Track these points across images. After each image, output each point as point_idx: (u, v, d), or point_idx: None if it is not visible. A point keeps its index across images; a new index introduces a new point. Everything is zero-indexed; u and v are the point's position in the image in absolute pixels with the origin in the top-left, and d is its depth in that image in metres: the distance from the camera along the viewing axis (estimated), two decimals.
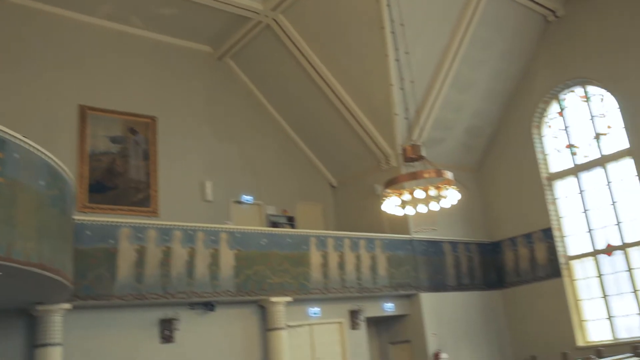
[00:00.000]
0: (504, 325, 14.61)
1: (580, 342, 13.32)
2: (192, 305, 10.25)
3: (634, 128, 12.79)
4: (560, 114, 14.44)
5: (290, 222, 14.14)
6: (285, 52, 13.77)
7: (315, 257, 11.70)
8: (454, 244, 14.32)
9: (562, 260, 13.87)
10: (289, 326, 11.23)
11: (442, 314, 13.45)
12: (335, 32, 13.08)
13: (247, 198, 13.91)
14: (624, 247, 13.00)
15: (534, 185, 14.46)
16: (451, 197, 8.81)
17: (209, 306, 10.35)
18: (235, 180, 13.89)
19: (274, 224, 13.66)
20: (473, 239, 14.82)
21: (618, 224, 13.14)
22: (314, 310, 11.92)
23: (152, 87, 13.24)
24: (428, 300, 13.32)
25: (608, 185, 13.38)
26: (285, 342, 10.88)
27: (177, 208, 12.55)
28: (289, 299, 11.10)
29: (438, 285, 13.64)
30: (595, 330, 13.38)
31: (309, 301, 11.83)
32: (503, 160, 15.20)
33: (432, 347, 12.99)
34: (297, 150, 15.35)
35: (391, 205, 8.87)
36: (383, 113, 13.30)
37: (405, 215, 9.46)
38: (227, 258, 10.54)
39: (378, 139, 13.86)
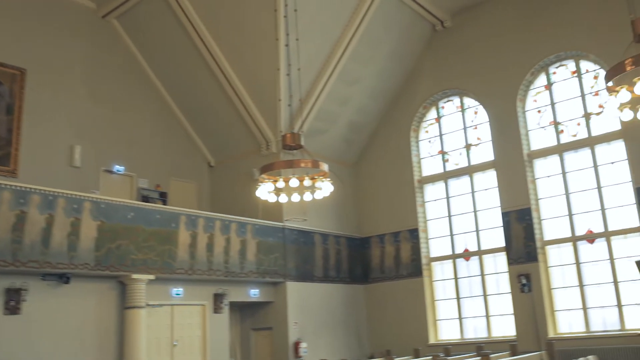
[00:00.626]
0: (364, 319, 15.06)
1: (432, 340, 14.02)
2: (44, 276, 9.59)
3: (500, 142, 13.62)
4: (438, 120, 15.07)
5: (163, 198, 13.66)
6: (175, 21, 13.24)
7: (183, 236, 11.39)
8: (324, 236, 14.52)
9: (424, 261, 14.50)
10: (149, 305, 10.86)
11: (306, 304, 13.62)
12: (229, 9, 12.77)
13: (118, 168, 13.26)
14: (480, 253, 13.83)
15: (406, 186, 14.99)
16: (325, 189, 8.88)
17: (63, 278, 9.73)
18: (107, 147, 13.18)
19: (145, 198, 13.12)
20: (344, 232, 15.12)
21: (477, 231, 13.94)
22: (177, 290, 11.61)
23: (24, 37, 12.20)
24: (294, 289, 13.42)
25: (472, 193, 14.16)
26: (143, 321, 10.49)
27: (40, 171, 11.69)
28: (151, 277, 10.71)
29: (305, 275, 13.78)
30: (446, 329, 14.14)
31: (172, 281, 11.50)
32: (380, 158, 15.61)
33: (293, 336, 13.11)
34: (177, 125, 14.84)
35: (265, 191, 8.79)
36: (268, 97, 13.18)
37: (278, 202, 9.43)
38: (89, 229, 9.98)
39: (261, 123, 13.72)
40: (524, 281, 12.43)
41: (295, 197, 9.09)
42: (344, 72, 13.83)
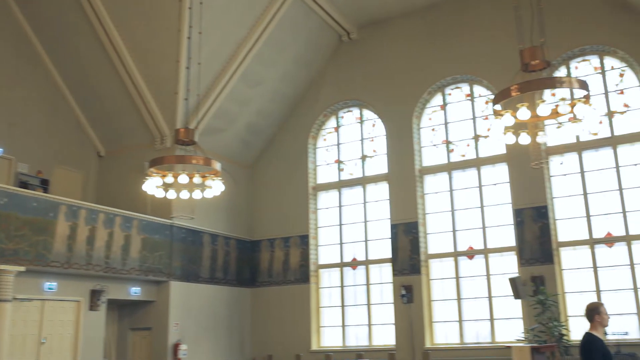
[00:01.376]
0: (249, 323, 14.89)
1: (314, 346, 14.08)
2: None
3: (394, 156, 13.98)
4: (336, 129, 15.24)
5: (44, 185, 12.83)
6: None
7: (62, 227, 10.73)
8: (214, 236, 14.23)
9: (312, 267, 14.56)
10: (16, 299, 10.12)
11: (190, 305, 13.26)
12: None
13: None
14: (367, 262, 14.08)
15: (300, 192, 15.03)
16: (215, 188, 8.67)
17: None
18: None
19: (24, 184, 12.25)
20: (234, 234, 14.89)
21: (366, 241, 14.20)
22: (50, 284, 10.90)
23: None
24: (177, 289, 13.03)
25: (364, 204, 14.41)
26: (8, 316, 9.75)
27: None
28: (21, 268, 9.99)
29: (190, 275, 13.42)
30: (329, 336, 14.25)
31: (45, 274, 10.79)
32: (277, 162, 15.55)
33: (173, 338, 12.71)
34: (67, 109, 14.00)
35: (152, 185, 8.45)
36: (166, 90, 12.75)
37: (166, 198, 9.11)
38: None
39: (157, 116, 13.26)
40: (403, 292, 12.73)
41: (184, 194, 8.81)
42: (246, 73, 13.67)
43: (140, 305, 12.96)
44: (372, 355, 12.45)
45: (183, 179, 8.25)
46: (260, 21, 13.23)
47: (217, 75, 13.27)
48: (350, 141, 15.01)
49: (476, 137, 13.40)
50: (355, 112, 15.09)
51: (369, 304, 13.90)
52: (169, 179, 8.30)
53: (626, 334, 11.01)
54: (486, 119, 13.30)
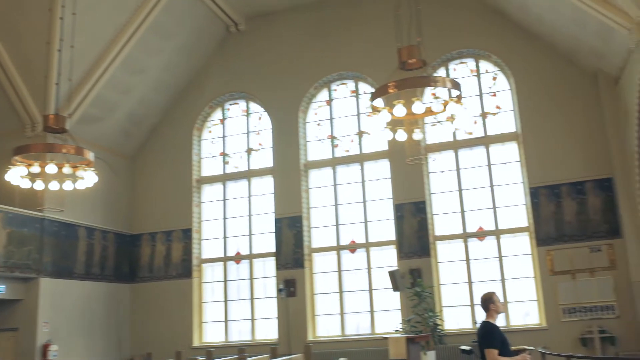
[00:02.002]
0: (127, 320, 14.30)
1: (196, 343, 13.78)
2: None
3: (279, 150, 13.95)
4: (222, 121, 14.98)
5: None
6: None
7: None
8: (90, 230, 13.53)
9: (195, 262, 14.24)
10: None
11: (62, 303, 12.50)
12: None
13: None
14: (251, 257, 13.98)
15: (184, 185, 14.63)
16: (88, 179, 8.20)
17: None
18: None
19: None
20: (113, 227, 14.24)
21: (250, 235, 14.08)
22: None
23: None
24: (48, 287, 12.25)
25: (249, 197, 14.28)
26: None
27: None
28: None
29: (63, 272, 12.67)
30: (212, 332, 14.01)
31: None
32: (160, 154, 15.03)
33: (42, 338, 11.94)
34: None
35: (16, 175, 7.85)
36: (38, 74, 11.90)
37: (37, 189, 8.51)
38: None
39: (27, 101, 12.37)
40: (280, 286, 12.67)
41: (54, 185, 8.25)
42: (128, 60, 13.07)
43: (5, 305, 12.05)
44: (254, 350, 12.36)
45: (51, 168, 7.74)
46: (143, 7, 12.68)
47: (95, 61, 12.59)
48: (236, 134, 14.81)
49: (360, 133, 13.67)
50: (242, 104, 14.91)
51: (252, 299, 13.80)
52: (35, 168, 7.74)
53: None
54: (369, 115, 13.56)
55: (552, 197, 11.90)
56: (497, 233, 12.37)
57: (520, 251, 12.21)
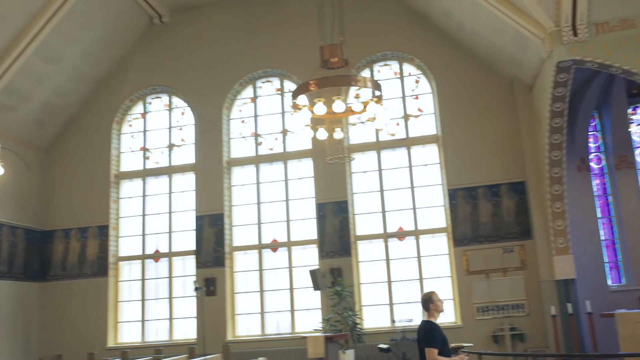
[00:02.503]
0: (37, 320, 13.63)
1: (110, 343, 13.31)
2: None
3: (202, 146, 13.69)
4: (143, 115, 14.55)
5: None
6: None
7: None
8: None
9: (111, 260, 13.76)
10: None
11: None
12: None
13: None
14: (170, 255, 13.65)
15: (102, 180, 14.10)
16: None
17: None
18: None
19: None
20: (23, 223, 13.53)
21: (170, 232, 13.75)
22: None
23: None
24: None
25: (170, 194, 13.94)
26: None
27: None
28: None
29: None
30: (128, 332, 13.58)
31: None
32: (77, 147, 14.41)
33: None
34: None
35: None
36: None
37: None
38: None
39: None
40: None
41: None
42: (43, 47, 12.44)
43: None
44: (172, 350, 12.07)
45: None
46: None
47: (6, 47, 11.94)
48: (157, 129, 14.41)
49: (284, 132, 13.62)
50: (164, 98, 14.53)
51: (170, 298, 13.48)
52: None
53: (410, 320, 11.90)
54: (293, 114, 13.55)
55: (469, 199, 12.26)
56: (416, 233, 12.62)
57: (438, 251, 12.52)
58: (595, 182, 12.51)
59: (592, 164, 12.51)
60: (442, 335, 5.48)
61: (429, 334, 5.44)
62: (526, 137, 12.06)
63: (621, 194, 12.38)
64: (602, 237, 12.24)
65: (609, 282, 12.03)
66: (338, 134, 7.18)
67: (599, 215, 12.31)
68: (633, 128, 12.02)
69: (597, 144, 12.69)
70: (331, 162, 7.22)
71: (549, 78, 10.14)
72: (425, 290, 5.89)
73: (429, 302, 5.66)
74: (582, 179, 12.16)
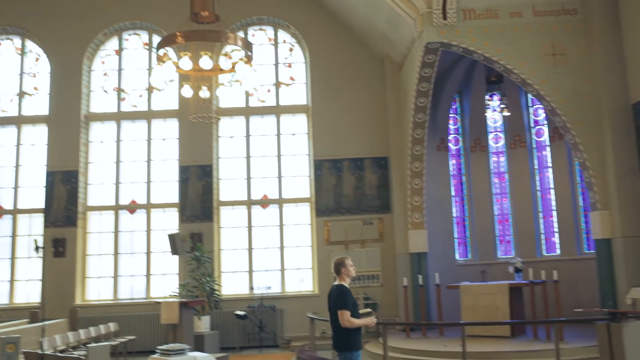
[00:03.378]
0: None
1: None
2: None
3: (57, 97, 12.65)
4: None
5: None
6: None
7: None
8: None
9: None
10: None
11: None
12: None
13: None
14: (15, 212, 12.58)
15: None
16: None
17: None
18: None
19: None
20: None
21: (16, 188, 12.63)
22: None
23: None
24: None
25: (17, 146, 12.79)
26: None
27: None
28: None
29: None
30: None
31: None
32: None
33: None
34: None
35: None
36: None
37: None
38: None
39: None
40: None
41: None
42: None
43: None
44: (12, 314, 11.21)
45: None
46: None
47: None
48: (6, 74, 13.06)
49: (150, 89, 12.92)
50: (17, 41, 13.20)
51: (13, 258, 12.44)
52: None
53: (269, 288, 11.93)
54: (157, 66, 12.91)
55: (333, 171, 12.43)
56: (280, 202, 12.61)
57: (301, 221, 12.61)
58: (452, 162, 13.17)
59: (451, 145, 13.14)
60: (352, 299, 5.53)
61: (342, 296, 5.44)
62: (392, 114, 12.39)
63: (474, 174, 13.16)
64: (454, 215, 12.95)
65: (457, 256, 12.79)
66: (205, 93, 6.86)
67: (452, 193, 12.99)
68: (489, 113, 12.74)
69: (456, 126, 13.33)
70: (194, 121, 6.88)
71: (418, 58, 10.43)
72: (337, 258, 5.81)
73: (341, 266, 5.66)
74: (440, 158, 12.74)
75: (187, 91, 6.79)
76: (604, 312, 5.43)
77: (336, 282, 5.72)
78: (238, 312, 11.15)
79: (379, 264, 12.14)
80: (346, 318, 5.34)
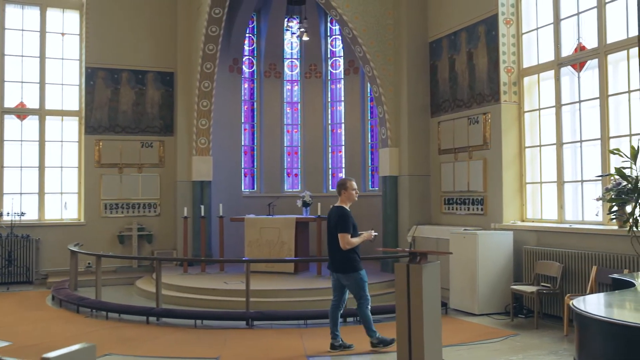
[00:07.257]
0: None
1: None
2: None
3: None
4: None
5: None
6: None
7: None
8: None
9: None
10: None
11: None
12: None
13: None
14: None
15: None
16: None
17: None
18: None
19: None
20: None
21: None
22: None
23: None
24: None
25: None
26: None
27: None
28: None
29: None
30: None
31: None
32: None
33: None
34: None
35: None
36: None
37: None
38: None
39: None
40: None
41: None
42: None
43: None
44: None
45: None
46: None
47: None
48: None
49: None
50: None
51: None
52: None
53: (23, 215, 10.09)
54: None
55: (110, 82, 10.72)
56: (41, 113, 10.61)
57: (67, 137, 10.79)
58: (244, 87, 12.25)
59: (245, 68, 12.18)
60: (353, 221, 5.55)
61: (342, 219, 5.48)
62: (182, 24, 10.96)
63: (266, 102, 12.41)
64: (243, 143, 12.14)
65: (243, 187, 12.08)
66: None
67: (242, 120, 12.13)
68: (287, 36, 11.96)
69: (251, 47, 12.37)
70: None
71: None
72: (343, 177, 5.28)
73: (343, 188, 5.63)
74: (232, 80, 11.72)
75: None
76: (405, 251, 5.19)
77: (337, 204, 5.65)
78: None
79: (157, 191, 10.94)
80: (347, 241, 5.41)
